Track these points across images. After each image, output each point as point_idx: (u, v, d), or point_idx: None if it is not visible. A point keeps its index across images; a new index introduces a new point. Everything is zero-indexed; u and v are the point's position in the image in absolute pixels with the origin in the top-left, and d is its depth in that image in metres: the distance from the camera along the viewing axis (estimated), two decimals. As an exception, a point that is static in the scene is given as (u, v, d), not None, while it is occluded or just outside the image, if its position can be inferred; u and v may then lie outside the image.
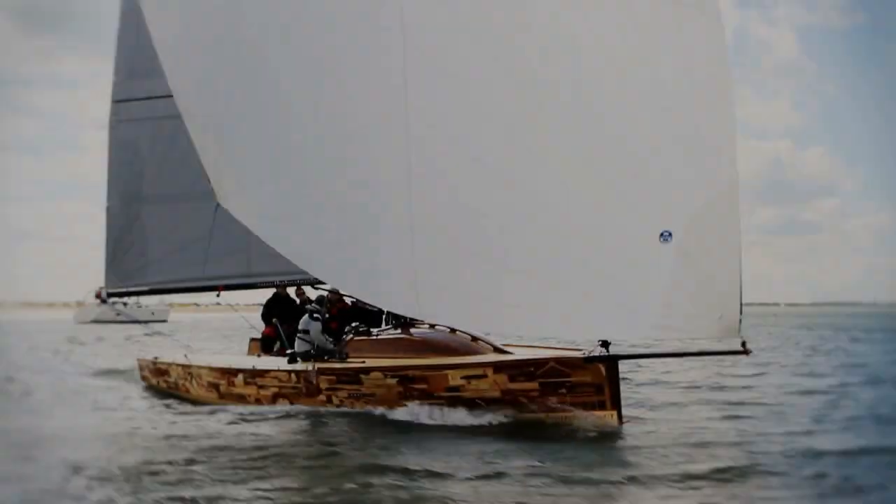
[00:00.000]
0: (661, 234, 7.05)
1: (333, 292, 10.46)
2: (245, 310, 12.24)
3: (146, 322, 41.88)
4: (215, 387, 10.62)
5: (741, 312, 7.19)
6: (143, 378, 13.01)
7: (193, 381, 11.17)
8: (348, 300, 10.58)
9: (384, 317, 10.13)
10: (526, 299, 7.40)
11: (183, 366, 11.45)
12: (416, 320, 9.59)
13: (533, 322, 7.70)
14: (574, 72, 7.07)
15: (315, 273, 8.62)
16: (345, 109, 7.67)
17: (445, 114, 7.38)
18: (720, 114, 6.99)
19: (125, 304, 45.71)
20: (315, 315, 9.45)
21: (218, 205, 8.40)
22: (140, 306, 46.07)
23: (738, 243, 7.09)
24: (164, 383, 12.10)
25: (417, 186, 7.49)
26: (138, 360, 13.53)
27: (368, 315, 10.31)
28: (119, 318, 44.40)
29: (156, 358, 12.48)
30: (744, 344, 7.37)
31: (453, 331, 9.24)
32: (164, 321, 43.60)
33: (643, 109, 7.00)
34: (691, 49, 6.99)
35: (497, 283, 7.45)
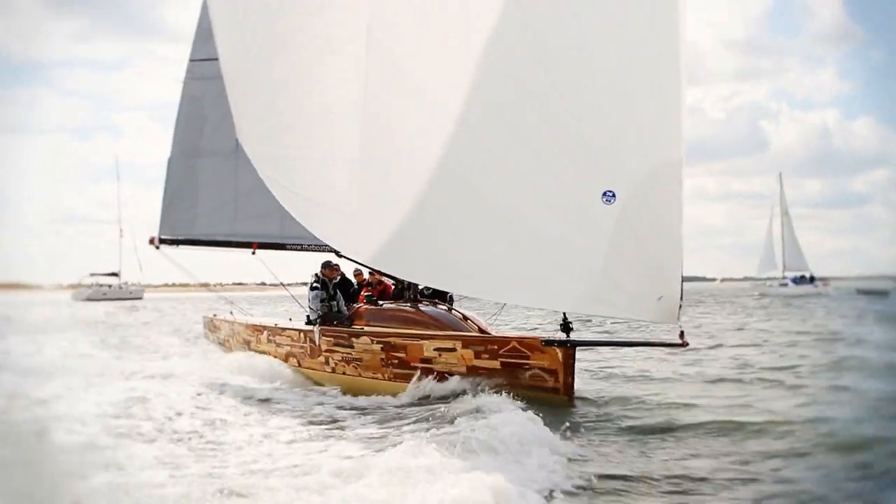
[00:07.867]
0: (604, 194, 6.48)
1: (373, 273, 10.55)
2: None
3: (126, 299, 54.56)
4: (247, 343, 11.14)
5: (682, 298, 6.48)
6: (206, 335, 13.92)
7: (234, 338, 11.78)
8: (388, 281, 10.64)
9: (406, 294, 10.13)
10: (465, 256, 7.08)
11: (230, 322, 12.11)
12: (426, 298, 9.68)
13: (471, 282, 7.26)
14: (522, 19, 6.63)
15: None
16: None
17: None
18: (666, 92, 6.38)
19: (109, 286, 59.98)
20: (313, 286, 9.70)
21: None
22: (121, 287, 59.54)
23: (679, 220, 6.45)
24: (216, 339, 12.90)
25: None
26: (203, 316, 14.56)
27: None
28: (105, 296, 57.34)
29: (214, 315, 13.41)
30: (682, 335, 6.79)
31: (450, 309, 9.21)
32: (139, 298, 55.38)
33: (591, 79, 6.50)
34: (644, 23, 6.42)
35: (431, 239, 7.27)
